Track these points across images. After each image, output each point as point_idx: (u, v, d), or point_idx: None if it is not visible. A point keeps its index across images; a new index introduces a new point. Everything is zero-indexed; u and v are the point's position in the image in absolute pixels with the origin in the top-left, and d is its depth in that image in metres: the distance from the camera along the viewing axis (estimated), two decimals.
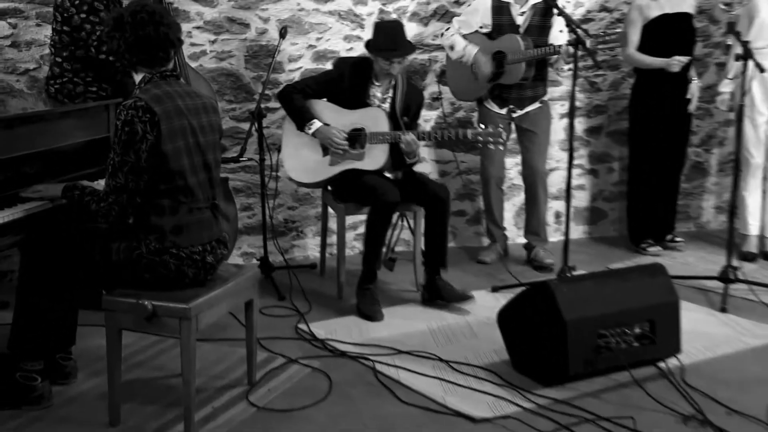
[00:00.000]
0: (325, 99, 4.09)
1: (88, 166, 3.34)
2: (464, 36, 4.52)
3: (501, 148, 4.01)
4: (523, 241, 4.94)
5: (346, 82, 4.01)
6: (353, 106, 4.02)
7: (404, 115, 4.05)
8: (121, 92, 3.85)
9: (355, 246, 5.05)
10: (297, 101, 4.04)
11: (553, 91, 5.11)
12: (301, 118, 4.03)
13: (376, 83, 4.00)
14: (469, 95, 4.68)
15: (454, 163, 5.10)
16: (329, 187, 4.22)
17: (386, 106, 4.06)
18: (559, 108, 5.23)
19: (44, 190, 2.90)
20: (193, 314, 2.74)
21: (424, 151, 5.08)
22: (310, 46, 4.85)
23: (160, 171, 2.72)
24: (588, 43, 3.80)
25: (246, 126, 4.65)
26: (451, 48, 4.54)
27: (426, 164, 5.09)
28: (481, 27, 4.50)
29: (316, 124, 4.01)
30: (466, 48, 4.46)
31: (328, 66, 4.63)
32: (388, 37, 3.88)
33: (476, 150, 4.95)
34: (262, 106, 4.36)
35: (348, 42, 4.89)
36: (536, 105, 4.65)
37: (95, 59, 3.80)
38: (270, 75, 4.31)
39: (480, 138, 3.90)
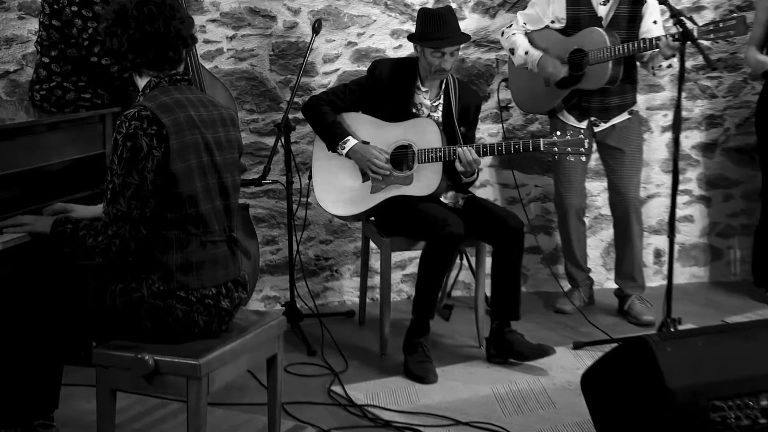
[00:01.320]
0: (359, 111, 4.12)
1: (79, 188, 3.35)
2: (533, 33, 4.55)
3: (583, 158, 4.03)
4: (614, 286, 4.92)
5: (386, 88, 4.03)
6: (396, 119, 4.03)
7: (460, 125, 4.07)
8: (120, 100, 3.88)
9: (402, 290, 5.12)
10: (326, 116, 4.05)
11: (652, 99, 5.16)
12: (333, 136, 4.04)
13: (423, 88, 4.01)
14: (538, 105, 4.68)
15: (527, 188, 5.10)
16: (371, 218, 4.24)
17: (437, 115, 4.07)
18: (661, 119, 5.25)
19: (31, 223, 2.88)
20: (204, 372, 2.73)
21: (486, 174, 5.12)
22: (350, 44, 4.90)
23: (167, 196, 2.73)
24: (696, 34, 3.77)
25: (270, 141, 4.69)
26: (512, 52, 4.57)
27: (488, 188, 5.11)
28: (552, 21, 4.53)
29: (351, 143, 4.02)
30: (529, 53, 4.48)
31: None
32: (437, 24, 3.89)
33: (551, 170, 4.94)
34: (290, 117, 4.39)
35: (396, 38, 4.93)
36: (624, 116, 4.64)
37: (88, 60, 3.81)
38: (300, 79, 4.35)
39: (555, 148, 3.82)
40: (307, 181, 4.33)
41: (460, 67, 4.91)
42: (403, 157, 4.03)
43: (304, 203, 4.68)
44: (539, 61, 4.46)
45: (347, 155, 4.03)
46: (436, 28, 3.87)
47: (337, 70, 4.94)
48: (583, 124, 4.58)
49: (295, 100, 4.61)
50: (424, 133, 4.00)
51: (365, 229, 4.46)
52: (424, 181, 3.98)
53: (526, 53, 4.50)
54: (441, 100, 4.05)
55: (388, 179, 3.97)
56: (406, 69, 4.04)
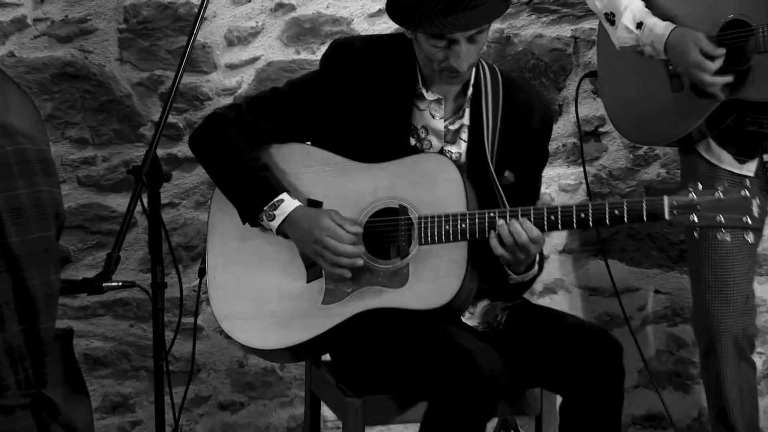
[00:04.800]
0: (307, 142, 3.35)
1: None
2: None
3: (751, 238, 3.04)
4: None
5: (360, 95, 3.20)
6: (377, 156, 3.21)
7: (504, 166, 3.20)
8: None
9: None
10: (240, 153, 3.24)
11: None
12: (252, 194, 3.22)
13: (428, 96, 3.18)
14: (658, 129, 3.79)
15: (637, 295, 4.36)
16: (324, 356, 3.46)
17: (457, 150, 3.21)
18: None
19: None
20: None
21: (554, 266, 4.20)
22: (281, 6, 3.99)
23: None
24: None
25: (119, 203, 4.00)
26: (609, 21, 3.66)
27: (558, 296, 4.28)
28: None
29: (288, 206, 3.17)
30: (646, 24, 3.56)
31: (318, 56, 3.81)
32: None
33: (685, 262, 4.17)
34: (162, 153, 3.68)
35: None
36: None
37: None
38: (181, 78, 3.41)
39: (695, 216, 2.95)
40: (198, 280, 3.49)
41: (499, 52, 4.15)
42: (388, 233, 3.21)
43: (188, 328, 3.75)
44: (670, 39, 3.51)
45: (279, 231, 3.16)
46: None
47: (254, 60, 3.98)
48: (750, 169, 3.64)
49: (172, 120, 3.92)
50: (430, 185, 3.20)
51: (312, 380, 3.61)
52: (430, 280, 3.14)
53: (640, 25, 3.58)
54: (465, 119, 3.19)
55: (359, 276, 3.19)
56: (396, 59, 3.23)
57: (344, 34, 3.93)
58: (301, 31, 3.95)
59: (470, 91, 3.16)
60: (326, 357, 3.44)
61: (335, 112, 3.21)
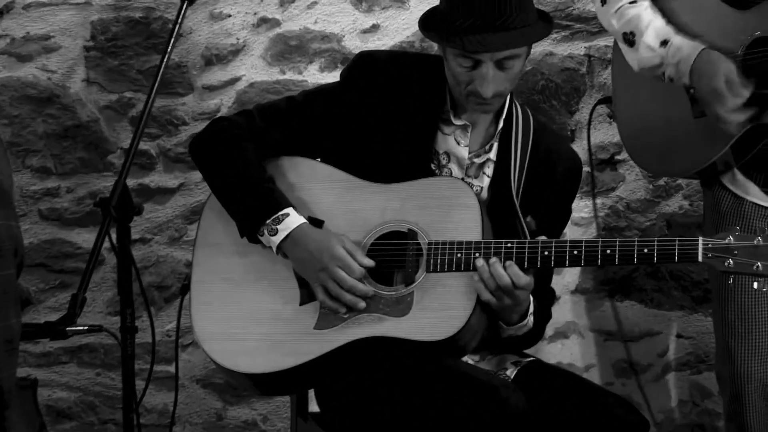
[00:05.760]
0: (317, 159, 3.18)
1: None
2: (672, 1, 3.41)
3: None
4: None
5: (383, 112, 3.04)
6: (393, 176, 3.07)
7: (527, 210, 3.03)
8: None
9: None
10: (245, 160, 3.08)
11: None
12: (255, 206, 3.02)
13: (454, 119, 3.05)
14: (679, 158, 3.54)
15: (655, 340, 4.20)
16: (313, 389, 3.20)
17: (480, 184, 3.06)
18: None
19: None
20: None
21: (564, 308, 4.05)
22: (264, 22, 3.84)
23: None
24: None
25: (85, 239, 3.85)
26: (628, 41, 3.39)
27: (569, 341, 4.14)
28: None
29: (292, 222, 3.00)
30: (672, 44, 3.29)
31: (317, 78, 3.89)
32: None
33: (709, 305, 3.93)
34: (132, 184, 3.68)
35: (367, 11, 3.96)
36: None
37: None
38: (154, 100, 3.24)
39: (729, 261, 2.82)
40: (177, 315, 3.25)
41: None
42: (394, 258, 3.04)
43: (161, 376, 3.74)
44: (698, 61, 3.28)
45: (279, 248, 2.99)
46: (470, 8, 2.89)
47: (235, 80, 3.84)
48: None
49: (144, 147, 3.78)
50: (444, 210, 3.06)
51: (297, 426, 3.39)
52: (436, 310, 2.94)
53: (665, 43, 3.32)
54: (492, 155, 3.07)
55: (356, 306, 3.07)
56: (424, 78, 3.09)
57: (334, 52, 3.83)
58: (286, 49, 3.83)
59: (501, 126, 3.03)
60: (315, 408, 3.14)
61: (352, 127, 3.08)
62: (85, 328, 3.07)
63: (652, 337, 4.07)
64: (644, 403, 4.01)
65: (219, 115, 3.85)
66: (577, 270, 4.04)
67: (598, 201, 4.07)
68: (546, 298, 3.04)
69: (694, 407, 4.13)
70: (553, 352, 3.88)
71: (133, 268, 3.24)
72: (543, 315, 3.02)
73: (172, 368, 3.64)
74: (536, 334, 3.04)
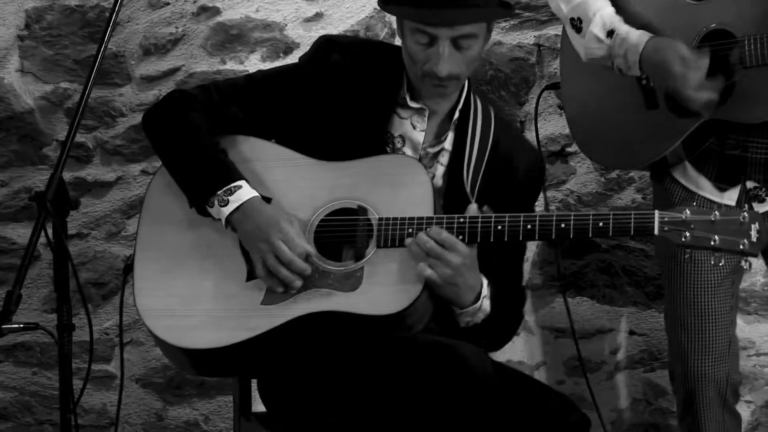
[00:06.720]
0: (272, 140, 3.21)
1: None
2: None
3: (746, 265, 2.90)
4: None
5: (341, 94, 3.13)
6: (346, 156, 3.14)
7: (483, 200, 3.03)
8: None
9: None
10: (197, 132, 3.09)
11: None
12: (206, 176, 3.06)
13: (411, 102, 3.13)
14: (630, 151, 3.63)
15: (602, 339, 4.26)
16: (258, 373, 3.20)
17: (435, 171, 3.14)
18: None
19: None
20: None
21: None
22: (204, 10, 3.87)
23: None
24: None
25: (19, 234, 3.91)
26: (576, 28, 3.50)
27: (518, 341, 4.18)
28: None
29: (244, 194, 3.06)
30: (619, 33, 3.38)
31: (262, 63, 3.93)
32: None
33: (657, 296, 4.10)
34: (69, 177, 3.66)
35: (309, 2, 3.98)
36: None
37: None
38: (91, 91, 3.25)
39: (687, 236, 2.85)
40: (121, 292, 3.33)
41: None
42: (344, 234, 3.11)
43: (99, 375, 3.77)
44: (646, 50, 3.34)
45: (228, 220, 3.03)
46: None
47: (174, 71, 3.89)
48: (731, 197, 3.49)
49: (80, 139, 3.80)
50: (395, 186, 3.12)
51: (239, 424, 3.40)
52: (386, 285, 3.00)
53: (611, 33, 3.42)
54: (447, 144, 3.13)
55: (307, 277, 3.05)
56: (383, 63, 3.17)
57: (276, 42, 3.86)
58: (227, 38, 3.87)
59: (456, 115, 3.10)
60: (258, 407, 3.17)
61: (309, 108, 3.11)
62: (21, 325, 3.15)
63: (605, 334, 4.09)
64: (594, 402, 3.97)
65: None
66: (527, 265, 4.01)
67: (549, 194, 4.06)
68: (515, 294, 3.07)
69: (648, 406, 4.14)
70: (503, 349, 3.41)
71: (69, 264, 3.24)
72: (509, 310, 3.03)
73: (110, 367, 3.80)
74: (501, 329, 3.05)
